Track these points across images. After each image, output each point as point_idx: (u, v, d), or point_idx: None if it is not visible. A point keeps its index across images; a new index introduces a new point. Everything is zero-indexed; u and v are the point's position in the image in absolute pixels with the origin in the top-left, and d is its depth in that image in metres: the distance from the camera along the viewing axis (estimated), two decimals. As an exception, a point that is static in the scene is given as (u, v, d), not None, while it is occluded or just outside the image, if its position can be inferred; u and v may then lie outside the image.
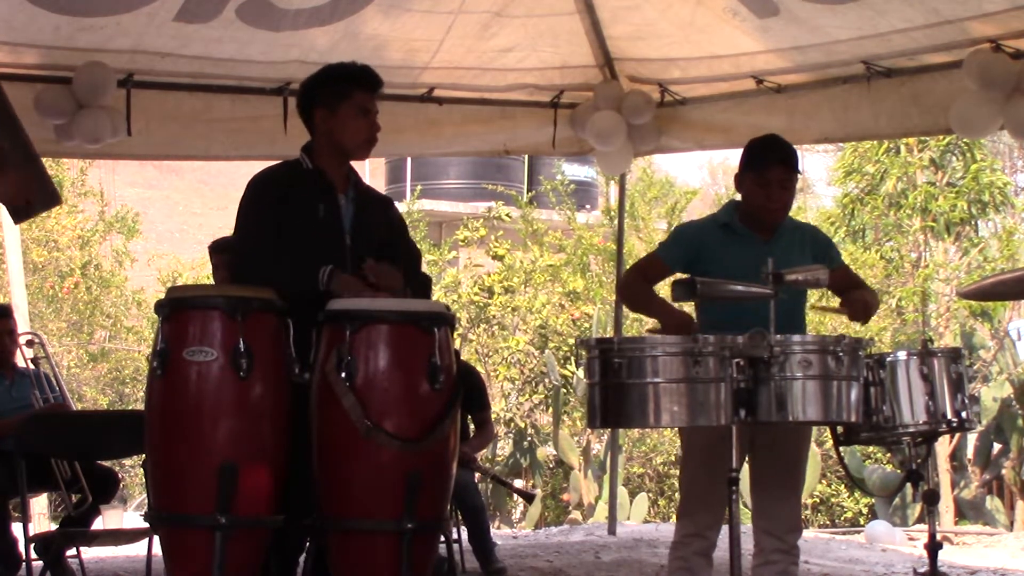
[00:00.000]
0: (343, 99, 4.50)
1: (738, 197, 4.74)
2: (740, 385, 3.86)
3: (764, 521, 4.51)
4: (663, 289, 4.82)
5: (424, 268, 5.16)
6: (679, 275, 4.54)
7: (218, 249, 6.66)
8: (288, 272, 4.33)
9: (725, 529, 5.01)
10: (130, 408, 15.43)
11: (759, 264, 4.44)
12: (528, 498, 7.51)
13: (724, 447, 4.11)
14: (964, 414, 4.33)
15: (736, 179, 4.71)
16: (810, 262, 4.53)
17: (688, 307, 4.61)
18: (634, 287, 4.78)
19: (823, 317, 14.94)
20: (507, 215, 16.72)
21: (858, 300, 4.62)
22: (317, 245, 4.41)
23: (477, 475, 7.55)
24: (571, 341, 14.94)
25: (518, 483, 14.95)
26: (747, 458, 4.50)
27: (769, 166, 4.58)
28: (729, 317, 4.24)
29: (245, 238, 4.50)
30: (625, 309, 8.30)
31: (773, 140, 4.71)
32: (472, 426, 7.12)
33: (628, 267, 5.05)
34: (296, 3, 6.78)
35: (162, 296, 4.32)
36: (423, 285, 4.82)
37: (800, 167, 4.68)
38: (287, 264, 4.37)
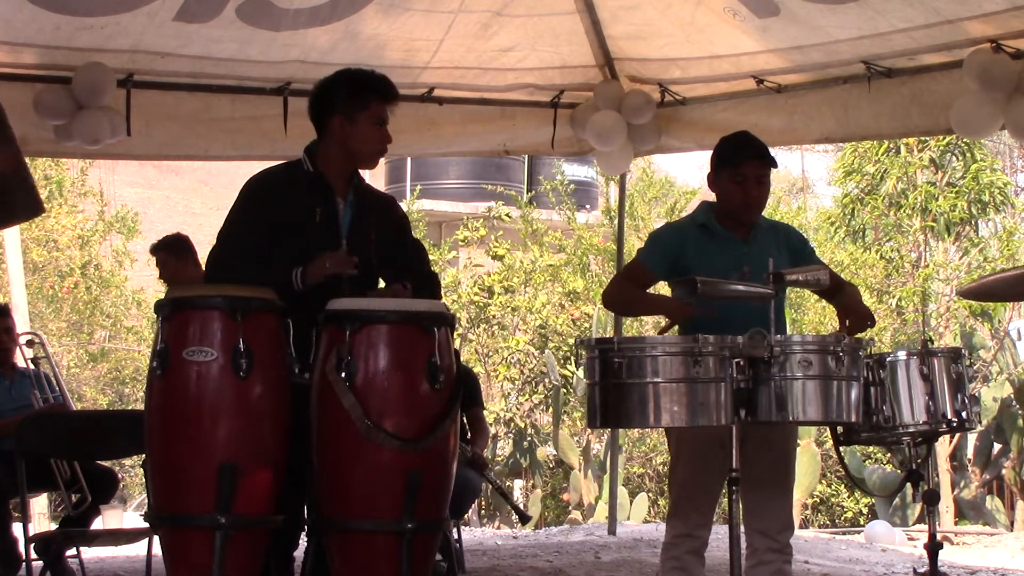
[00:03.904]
0: (362, 108, 4.49)
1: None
2: (740, 385, 3.86)
3: (756, 521, 4.49)
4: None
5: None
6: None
7: (159, 248, 7.10)
8: (258, 275, 4.31)
9: (718, 529, 5.02)
10: (130, 408, 15.43)
11: (740, 264, 4.47)
12: (523, 519, 7.43)
13: (716, 447, 4.12)
14: (964, 414, 4.33)
15: (709, 179, 4.67)
16: (788, 260, 4.53)
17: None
18: (621, 291, 4.74)
19: (823, 317, 14.96)
20: (507, 215, 16.71)
21: (854, 312, 4.55)
22: (312, 250, 4.41)
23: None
24: (571, 341, 14.95)
25: (518, 495, 14.94)
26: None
27: (744, 161, 4.55)
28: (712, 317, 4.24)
29: (224, 237, 4.50)
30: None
31: (745, 136, 4.69)
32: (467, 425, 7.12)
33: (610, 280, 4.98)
34: (296, 3, 6.78)
35: (162, 296, 4.32)
36: (430, 282, 4.79)
37: (776, 162, 4.65)
38: (260, 267, 4.37)
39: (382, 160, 4.84)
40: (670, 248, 4.60)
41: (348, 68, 4.67)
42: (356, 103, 4.50)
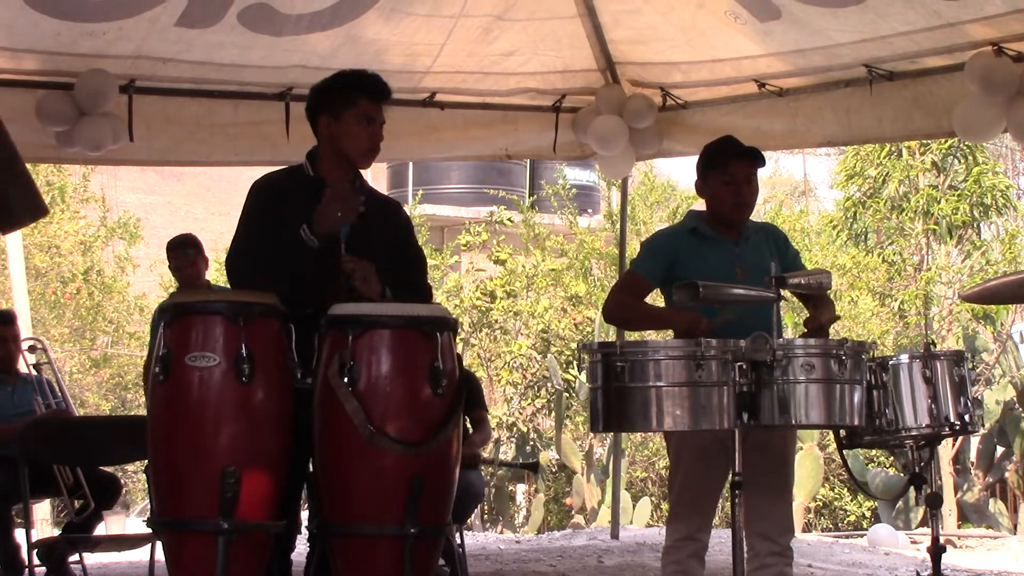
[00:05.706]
0: (348, 107, 4.48)
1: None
2: (742, 389, 3.85)
3: (757, 524, 4.48)
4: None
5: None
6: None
7: (172, 246, 7.15)
8: (276, 282, 4.30)
9: (720, 533, 5.00)
10: (132, 414, 15.43)
11: (733, 266, 4.47)
12: (533, 467, 7.42)
13: (716, 450, 4.10)
14: (967, 417, 4.33)
15: (697, 186, 4.69)
16: (777, 262, 4.52)
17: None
18: (624, 306, 4.67)
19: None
20: (509, 219, 16.72)
21: (816, 326, 4.52)
22: (312, 254, 4.39)
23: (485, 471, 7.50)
24: (573, 345, 14.94)
25: (520, 499, 14.95)
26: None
27: (732, 161, 4.57)
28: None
29: (238, 245, 4.50)
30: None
31: (729, 139, 4.71)
32: (470, 427, 7.12)
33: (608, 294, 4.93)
34: (298, 8, 6.78)
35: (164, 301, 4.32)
36: (423, 295, 4.77)
37: (764, 161, 4.64)
38: (276, 273, 4.35)
39: (384, 165, 4.84)
40: (664, 254, 4.60)
41: (344, 70, 4.67)
42: (342, 100, 4.49)
